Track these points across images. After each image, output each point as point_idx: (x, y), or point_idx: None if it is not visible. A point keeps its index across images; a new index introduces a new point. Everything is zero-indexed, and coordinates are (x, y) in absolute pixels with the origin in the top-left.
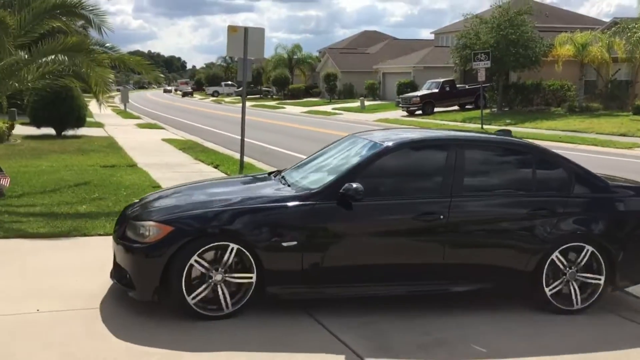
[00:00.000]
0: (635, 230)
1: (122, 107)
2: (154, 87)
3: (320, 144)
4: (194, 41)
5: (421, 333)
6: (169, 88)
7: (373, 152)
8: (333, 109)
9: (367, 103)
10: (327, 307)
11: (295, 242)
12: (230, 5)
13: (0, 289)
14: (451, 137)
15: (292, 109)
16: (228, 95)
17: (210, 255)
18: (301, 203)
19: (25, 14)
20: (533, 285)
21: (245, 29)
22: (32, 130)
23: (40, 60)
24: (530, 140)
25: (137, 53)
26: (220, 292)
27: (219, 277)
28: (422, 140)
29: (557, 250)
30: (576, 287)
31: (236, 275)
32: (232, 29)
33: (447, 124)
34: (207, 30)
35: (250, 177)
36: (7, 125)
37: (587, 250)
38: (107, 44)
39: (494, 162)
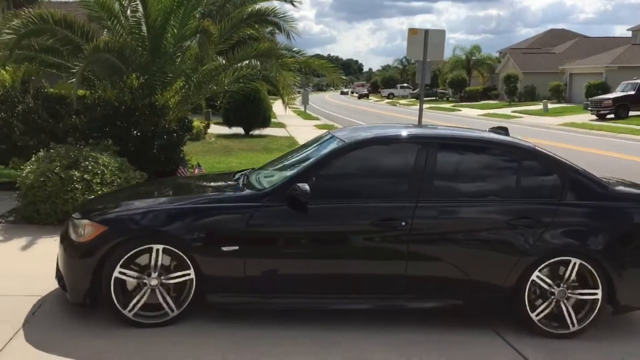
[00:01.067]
0: None
1: (302, 108)
2: (331, 90)
3: None
4: (371, 44)
5: None
6: (345, 90)
7: (331, 150)
8: (513, 111)
9: (550, 106)
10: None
11: (236, 247)
12: (408, 7)
13: None
14: (421, 134)
15: (469, 112)
16: (403, 97)
17: (144, 258)
18: (245, 204)
19: (225, 23)
20: (514, 305)
21: (426, 32)
22: (224, 130)
23: (235, 65)
24: (522, 139)
25: (317, 57)
26: (160, 296)
27: (154, 281)
28: (386, 138)
29: (543, 265)
30: (569, 307)
31: (173, 275)
32: (412, 32)
33: None
34: (385, 33)
35: (216, 176)
36: (203, 124)
37: (575, 263)
38: (294, 49)
39: (471, 163)
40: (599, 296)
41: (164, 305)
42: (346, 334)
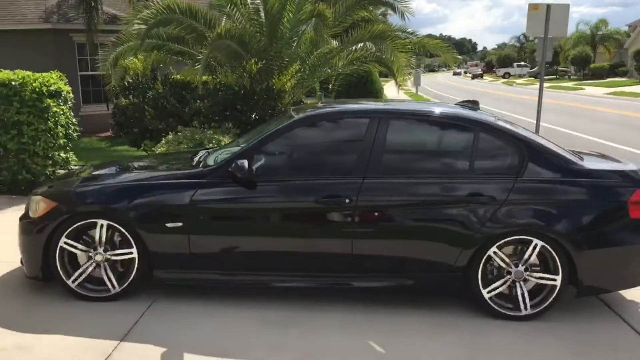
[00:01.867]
0: (606, 224)
1: (414, 89)
2: (443, 70)
3: (624, 128)
4: (486, 22)
5: None
6: (458, 71)
7: (279, 127)
8: None
9: None
10: None
11: (180, 224)
12: None
13: None
14: (371, 109)
15: (593, 90)
16: (520, 76)
17: (94, 233)
18: (190, 181)
19: (339, 6)
20: (468, 284)
21: (548, 6)
22: None
23: (350, 48)
24: (482, 113)
25: (429, 37)
26: (103, 272)
27: (99, 256)
28: (331, 114)
29: (498, 243)
30: (524, 289)
31: (117, 252)
32: (533, 7)
33: None
34: (501, 10)
35: (181, 153)
36: None
37: (536, 244)
38: (408, 29)
39: (423, 139)
40: (558, 282)
41: (107, 281)
42: (302, 314)
